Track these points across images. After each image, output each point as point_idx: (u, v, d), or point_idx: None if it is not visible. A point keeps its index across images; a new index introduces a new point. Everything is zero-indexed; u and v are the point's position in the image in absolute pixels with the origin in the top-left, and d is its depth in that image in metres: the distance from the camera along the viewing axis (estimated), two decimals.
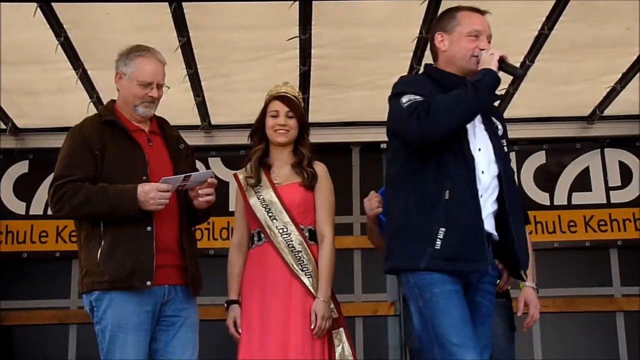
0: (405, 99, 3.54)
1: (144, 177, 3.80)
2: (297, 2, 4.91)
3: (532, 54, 5.57)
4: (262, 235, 4.09)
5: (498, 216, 3.51)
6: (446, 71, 3.68)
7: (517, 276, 3.70)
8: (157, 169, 3.86)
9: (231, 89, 5.97)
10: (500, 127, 3.71)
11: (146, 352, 3.79)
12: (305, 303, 3.97)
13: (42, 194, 7.01)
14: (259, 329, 3.97)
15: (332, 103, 6.46)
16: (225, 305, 4.13)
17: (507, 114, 6.20)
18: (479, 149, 3.53)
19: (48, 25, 5.06)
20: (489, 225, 3.46)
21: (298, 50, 5.49)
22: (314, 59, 5.63)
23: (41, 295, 6.92)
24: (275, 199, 4.11)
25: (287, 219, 4.08)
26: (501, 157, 3.57)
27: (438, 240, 3.34)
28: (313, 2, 4.93)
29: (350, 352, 4.02)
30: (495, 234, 3.51)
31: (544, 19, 5.21)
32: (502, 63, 3.55)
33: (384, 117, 6.72)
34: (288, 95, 4.29)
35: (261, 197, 4.13)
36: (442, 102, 3.42)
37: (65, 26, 5.15)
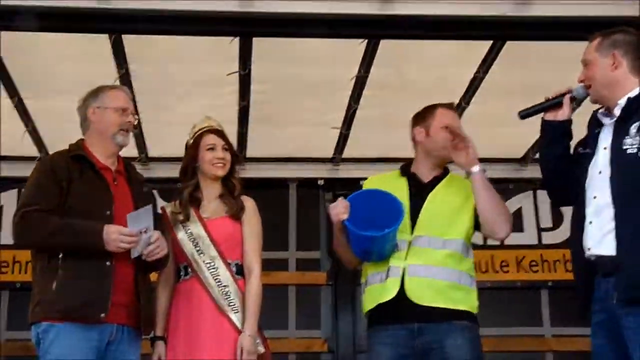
0: None
1: (108, 212, 3.84)
2: (238, 38, 4.93)
3: (467, 96, 5.66)
4: (189, 270, 4.07)
5: None
6: None
7: None
8: (120, 206, 3.89)
9: (169, 122, 5.97)
10: None
11: None
12: (231, 339, 3.94)
13: None
14: None
15: (270, 138, 6.49)
16: (150, 341, 4.09)
17: None
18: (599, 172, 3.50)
19: None
20: None
21: (238, 86, 5.51)
22: (253, 94, 5.66)
23: None
24: (204, 233, 4.10)
25: (214, 253, 4.07)
26: None
27: None
28: (253, 38, 4.95)
29: None
30: None
31: (479, 62, 5.30)
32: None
33: (321, 153, 6.86)
34: (220, 129, 4.29)
35: (189, 231, 4.11)
36: None
37: (1, 55, 5.11)
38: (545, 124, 3.70)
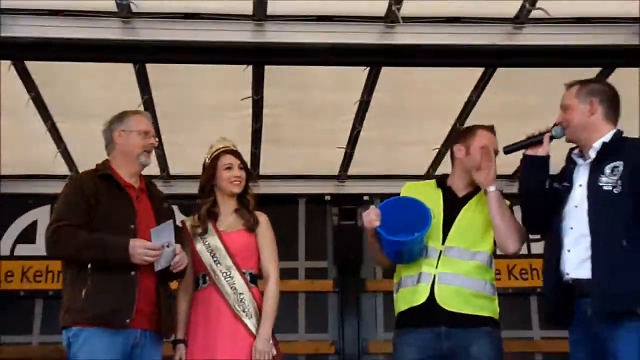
0: None
1: (132, 226, 3.86)
2: (251, 66, 4.94)
3: (462, 118, 5.66)
4: (207, 278, 4.07)
5: None
6: None
7: None
8: (143, 221, 3.92)
9: (188, 143, 5.97)
10: None
11: None
12: (246, 342, 3.94)
13: (10, 236, 6.97)
14: None
15: (280, 158, 6.49)
16: (172, 344, 4.09)
17: (443, 171, 6.27)
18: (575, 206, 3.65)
19: (20, 81, 5.04)
20: None
21: (251, 109, 5.51)
22: (265, 117, 5.66)
23: (5, 331, 6.82)
24: (220, 245, 4.10)
25: (230, 263, 4.06)
26: None
27: None
28: (265, 66, 4.96)
29: None
30: None
31: (472, 87, 5.30)
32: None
33: (328, 171, 6.86)
34: (235, 149, 4.30)
35: (207, 243, 4.11)
36: None
37: (36, 83, 5.13)
38: (526, 158, 3.76)
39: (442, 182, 4.09)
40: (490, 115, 5.60)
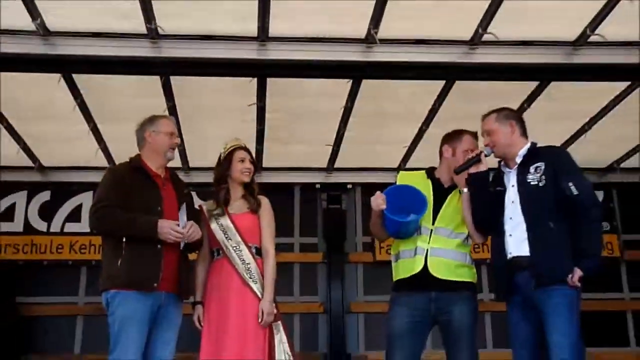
0: None
1: (159, 208, 3.87)
2: (256, 79, 4.93)
3: (427, 121, 5.67)
4: (220, 252, 4.05)
5: None
6: None
7: None
8: (168, 204, 3.93)
9: (204, 140, 5.95)
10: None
11: (144, 340, 3.74)
12: (253, 304, 3.93)
13: (60, 216, 6.96)
14: (215, 324, 3.92)
15: (280, 153, 6.47)
16: (192, 305, 4.08)
17: (412, 165, 6.29)
18: (512, 201, 3.75)
19: (69, 90, 5.03)
20: None
21: (256, 114, 5.50)
22: (267, 120, 5.65)
23: (56, 293, 6.86)
24: (231, 225, 4.07)
25: (239, 239, 4.04)
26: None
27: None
28: (267, 78, 4.95)
29: (285, 338, 3.98)
30: None
31: (436, 97, 5.30)
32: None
33: (318, 164, 6.86)
34: (246, 146, 4.28)
35: (220, 223, 4.09)
36: None
37: (81, 91, 5.11)
38: (471, 176, 3.81)
39: (431, 173, 4.07)
40: (450, 120, 5.59)
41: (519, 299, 3.63)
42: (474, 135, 4.03)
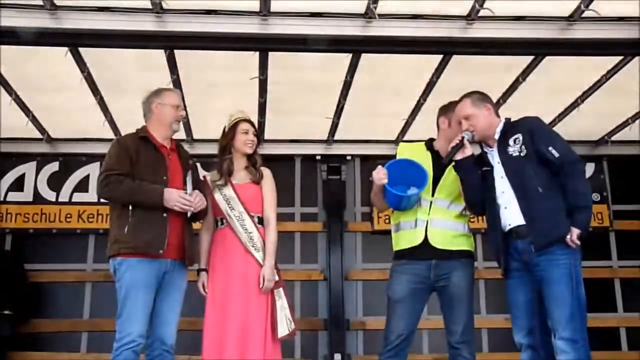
0: None
1: (165, 177, 3.88)
2: (258, 52, 4.91)
3: (425, 95, 5.65)
4: (224, 221, 4.06)
5: None
6: None
7: None
8: (173, 173, 3.94)
9: (208, 113, 5.94)
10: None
11: (151, 305, 3.77)
12: (255, 270, 3.96)
13: (68, 186, 6.96)
14: (220, 290, 3.96)
15: (281, 125, 6.46)
16: (197, 272, 4.10)
17: (410, 137, 6.28)
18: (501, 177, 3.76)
19: (75, 64, 5.00)
20: None
21: (258, 87, 5.48)
22: (269, 94, 5.63)
23: (65, 261, 6.88)
24: (233, 195, 4.08)
25: (241, 208, 4.06)
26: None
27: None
28: (269, 52, 4.93)
29: (286, 304, 4.02)
30: None
31: (433, 70, 5.28)
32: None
33: (318, 136, 6.86)
34: (249, 119, 4.27)
35: (223, 193, 4.10)
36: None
37: (88, 64, 5.10)
38: (458, 163, 3.81)
39: (430, 145, 4.08)
40: (447, 93, 5.57)
41: (518, 265, 3.67)
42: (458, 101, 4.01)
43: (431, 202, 3.89)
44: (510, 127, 3.79)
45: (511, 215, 3.66)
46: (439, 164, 3.95)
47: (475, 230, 6.85)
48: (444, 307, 3.90)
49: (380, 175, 3.82)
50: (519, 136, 3.70)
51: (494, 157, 3.79)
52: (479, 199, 3.82)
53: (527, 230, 3.59)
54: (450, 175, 3.92)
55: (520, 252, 3.63)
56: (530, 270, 3.59)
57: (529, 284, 3.63)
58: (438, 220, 3.88)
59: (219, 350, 3.86)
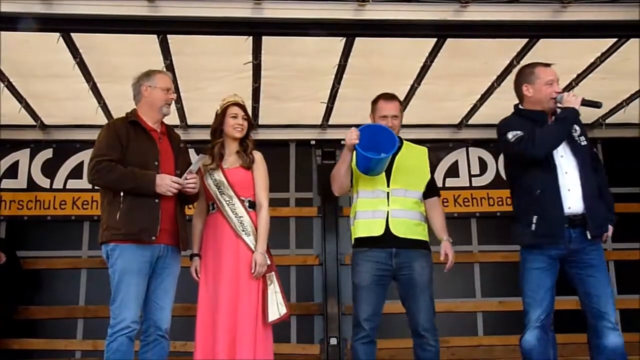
0: (510, 135, 3.74)
1: (156, 163, 3.86)
2: (251, 37, 4.87)
3: (419, 79, 5.62)
4: (215, 206, 4.06)
5: None
6: (535, 110, 3.88)
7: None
8: (164, 158, 3.92)
9: (202, 98, 5.90)
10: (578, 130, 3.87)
11: (144, 291, 3.77)
12: (247, 255, 3.95)
13: (62, 173, 6.95)
14: (212, 274, 3.97)
15: (275, 111, 6.44)
16: (189, 257, 4.10)
17: (404, 122, 6.24)
18: (561, 156, 3.77)
19: (68, 50, 4.96)
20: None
21: (252, 72, 5.45)
22: (263, 79, 5.60)
23: (60, 248, 6.88)
24: (223, 179, 4.08)
25: (231, 193, 4.05)
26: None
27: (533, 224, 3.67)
28: (263, 37, 4.89)
29: (279, 288, 4.03)
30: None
31: (427, 54, 5.25)
32: (584, 101, 3.78)
33: (313, 121, 6.83)
34: (242, 103, 4.25)
35: (214, 178, 4.10)
36: (542, 133, 3.68)
37: (80, 50, 5.05)
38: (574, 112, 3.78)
39: None
40: (442, 76, 5.61)
41: (562, 252, 3.72)
42: (546, 64, 4.03)
43: (388, 193, 3.96)
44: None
45: (574, 199, 3.69)
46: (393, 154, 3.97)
47: (469, 214, 7.03)
48: (407, 296, 3.97)
49: (352, 135, 3.87)
50: (575, 126, 3.82)
51: None
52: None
53: (587, 218, 3.67)
54: (401, 160, 3.99)
55: (570, 238, 3.69)
56: (568, 258, 3.70)
57: (554, 271, 3.75)
58: (398, 211, 3.96)
59: (212, 334, 3.87)
